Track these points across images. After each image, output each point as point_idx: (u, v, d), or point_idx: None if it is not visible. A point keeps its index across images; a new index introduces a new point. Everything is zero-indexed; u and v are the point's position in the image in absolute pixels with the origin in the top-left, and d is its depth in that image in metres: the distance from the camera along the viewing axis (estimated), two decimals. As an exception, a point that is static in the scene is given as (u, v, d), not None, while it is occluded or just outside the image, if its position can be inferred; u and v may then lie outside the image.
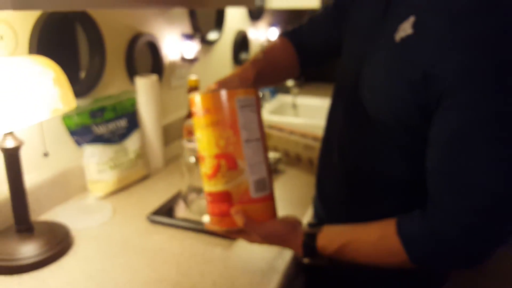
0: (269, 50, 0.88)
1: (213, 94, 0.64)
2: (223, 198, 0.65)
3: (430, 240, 0.57)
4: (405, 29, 0.58)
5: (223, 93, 0.63)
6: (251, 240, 0.70)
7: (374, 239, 0.63)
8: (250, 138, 0.65)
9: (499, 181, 0.52)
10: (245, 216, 0.64)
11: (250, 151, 0.65)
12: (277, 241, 0.69)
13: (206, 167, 0.66)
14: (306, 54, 0.90)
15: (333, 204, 0.81)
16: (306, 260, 0.69)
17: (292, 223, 0.69)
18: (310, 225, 0.71)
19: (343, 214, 0.78)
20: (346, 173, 0.76)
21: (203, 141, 0.65)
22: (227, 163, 0.64)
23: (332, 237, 0.66)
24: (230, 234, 0.71)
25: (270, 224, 0.67)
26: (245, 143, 0.64)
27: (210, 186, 0.66)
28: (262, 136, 0.67)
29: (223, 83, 0.69)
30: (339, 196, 0.79)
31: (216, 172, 0.65)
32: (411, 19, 0.58)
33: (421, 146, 0.60)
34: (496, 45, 0.49)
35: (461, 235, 0.55)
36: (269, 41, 2.23)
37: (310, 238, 0.67)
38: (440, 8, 0.54)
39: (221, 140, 0.64)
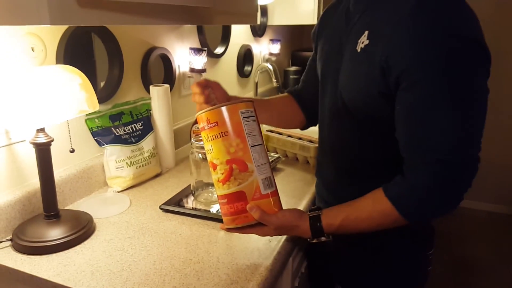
0: (275, 99, 1.10)
1: (219, 109, 0.75)
2: (239, 198, 0.75)
3: (412, 195, 0.70)
4: (363, 41, 0.75)
5: (228, 108, 0.75)
6: (264, 232, 0.80)
7: (368, 207, 0.75)
8: (254, 143, 0.76)
9: (451, 132, 0.66)
10: (260, 210, 0.75)
11: (256, 154, 0.76)
12: (287, 230, 0.80)
13: (219, 173, 0.76)
14: (309, 108, 1.07)
15: (332, 186, 0.93)
16: (314, 241, 0.80)
17: (297, 211, 0.81)
18: (311, 210, 0.82)
19: (341, 192, 0.89)
20: (337, 160, 0.90)
21: (215, 151, 0.76)
22: (239, 166, 0.75)
23: (333, 215, 0.78)
24: (244, 230, 0.80)
25: (280, 214, 0.78)
26: (251, 148, 0.75)
27: (224, 190, 0.76)
28: (263, 141, 0.79)
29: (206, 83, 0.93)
30: (335, 178, 0.91)
31: (229, 176, 0.75)
32: (366, 33, 0.75)
33: (390, 130, 0.74)
34: (430, 35, 0.64)
35: (434, 181, 0.68)
36: (271, 54, 2.36)
37: (315, 220, 0.78)
38: (387, 19, 0.71)
39: (231, 148, 0.75)
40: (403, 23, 0.67)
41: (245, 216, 0.76)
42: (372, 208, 0.74)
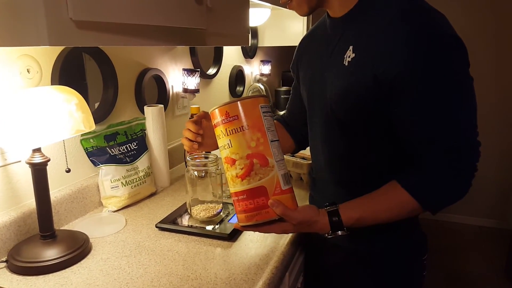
0: None
1: (240, 102, 0.74)
2: (260, 193, 0.74)
3: (429, 183, 0.75)
4: (349, 55, 0.79)
5: (249, 101, 0.74)
6: (283, 229, 0.79)
7: (386, 198, 0.78)
8: (273, 139, 0.76)
9: (454, 120, 0.72)
10: (282, 205, 0.74)
11: (275, 150, 0.75)
12: (307, 226, 0.80)
13: (238, 169, 0.74)
14: (297, 133, 1.11)
15: (332, 199, 0.93)
16: (331, 236, 0.80)
17: (314, 207, 0.82)
18: (325, 206, 0.82)
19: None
20: (335, 174, 0.92)
21: (234, 145, 0.74)
22: (260, 161, 0.73)
23: (351, 208, 0.79)
24: (262, 228, 0.78)
25: (301, 209, 0.78)
26: (271, 143, 0.75)
27: (243, 185, 0.74)
28: (278, 138, 0.78)
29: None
30: (334, 192, 0.93)
31: (250, 170, 0.73)
32: (351, 48, 0.79)
33: (384, 137, 0.80)
34: (417, 36, 0.70)
35: (446, 168, 0.74)
36: (262, 74, 2.40)
37: (334, 214, 0.79)
38: (370, 31, 0.76)
39: (252, 142, 0.73)
40: (389, 31, 0.72)
41: (266, 211, 0.74)
42: (391, 199, 0.77)
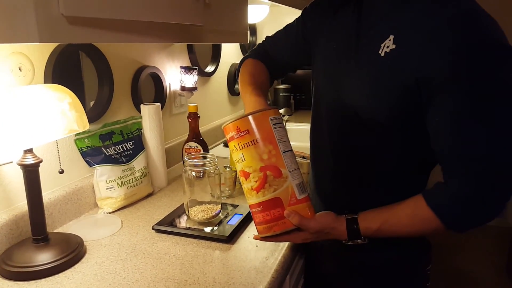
0: (256, 75, 1.02)
1: (250, 117, 0.74)
2: (275, 204, 0.74)
3: (455, 204, 0.70)
4: (388, 45, 0.71)
5: (258, 115, 0.75)
6: (302, 238, 0.78)
7: (408, 213, 0.74)
8: (285, 149, 0.76)
9: (495, 142, 0.65)
10: (298, 215, 0.74)
11: (288, 160, 0.75)
12: (325, 233, 0.78)
13: (252, 182, 0.75)
14: (275, 69, 1.06)
15: (332, 200, 0.91)
16: (349, 243, 0.79)
17: (332, 213, 0.80)
18: (346, 213, 0.80)
19: (339, 203, 0.88)
20: (343, 175, 0.87)
21: (247, 159, 0.75)
22: (273, 172, 0.74)
23: (372, 218, 0.77)
24: (281, 238, 0.78)
25: (318, 218, 0.76)
26: (283, 154, 0.75)
27: (259, 197, 0.75)
28: (291, 147, 0.78)
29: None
30: (336, 192, 0.89)
31: (264, 183, 0.74)
32: (391, 37, 0.71)
33: (412, 140, 0.74)
34: (464, 49, 0.63)
35: (476, 191, 0.68)
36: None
37: (352, 222, 0.77)
38: (416, 27, 0.68)
39: (264, 154, 0.74)
40: (441, 32, 0.65)
41: (282, 222, 0.75)
42: (413, 214, 0.73)
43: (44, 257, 0.85)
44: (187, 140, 1.42)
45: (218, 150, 1.80)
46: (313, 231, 0.76)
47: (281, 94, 2.56)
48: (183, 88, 1.58)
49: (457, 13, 0.65)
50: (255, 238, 0.80)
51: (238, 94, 2.15)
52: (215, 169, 1.06)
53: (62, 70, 1.06)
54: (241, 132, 0.74)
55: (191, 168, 1.04)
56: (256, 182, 0.75)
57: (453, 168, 0.70)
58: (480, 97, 0.64)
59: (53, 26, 0.63)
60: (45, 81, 1.03)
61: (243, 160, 0.75)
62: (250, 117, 0.74)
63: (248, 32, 2.17)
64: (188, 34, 1.02)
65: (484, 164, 0.66)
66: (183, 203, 1.11)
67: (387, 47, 0.71)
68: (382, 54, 0.72)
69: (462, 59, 0.63)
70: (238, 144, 0.75)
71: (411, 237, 0.76)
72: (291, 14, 2.12)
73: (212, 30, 1.12)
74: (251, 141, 0.74)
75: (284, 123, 0.80)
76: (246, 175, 0.75)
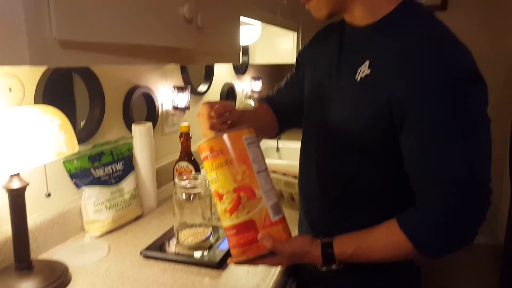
0: (256, 109, 1.04)
1: (224, 136, 0.73)
2: (248, 227, 0.72)
3: (428, 229, 0.69)
4: (363, 70, 0.75)
5: (232, 135, 0.73)
6: (276, 262, 0.76)
7: (382, 237, 0.73)
8: (260, 169, 0.74)
9: (465, 163, 0.66)
10: (272, 238, 0.71)
11: (263, 180, 0.73)
12: (300, 258, 0.76)
13: (226, 203, 0.73)
14: (283, 116, 1.05)
15: (320, 224, 0.90)
16: (324, 269, 0.77)
17: (308, 237, 0.78)
18: (321, 237, 0.78)
19: (327, 228, 0.86)
20: (330, 198, 0.87)
21: (220, 180, 0.73)
22: (246, 194, 0.72)
23: (346, 243, 0.75)
24: (255, 262, 0.76)
25: (293, 241, 0.75)
26: (257, 174, 0.73)
27: (232, 220, 0.73)
28: (267, 167, 0.76)
29: (211, 104, 0.81)
30: (325, 216, 0.89)
31: (237, 204, 0.72)
32: (367, 63, 0.74)
33: (391, 161, 0.75)
34: (434, 70, 0.66)
35: (450, 215, 0.67)
36: (253, 91, 2.38)
37: (327, 247, 0.76)
38: (389, 51, 0.71)
39: (238, 175, 0.72)
40: (412, 56, 0.68)
41: (256, 246, 0.72)
42: (386, 239, 0.72)
43: (26, 286, 0.82)
44: (179, 160, 1.41)
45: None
46: (287, 255, 0.73)
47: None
48: (175, 108, 1.57)
49: (431, 38, 0.68)
50: (229, 262, 0.77)
51: (230, 113, 2.15)
52: (206, 191, 1.04)
53: (54, 89, 1.04)
54: (214, 152, 0.73)
55: (182, 190, 1.02)
56: (229, 204, 0.72)
57: (427, 191, 0.70)
58: (451, 120, 0.66)
59: (45, 50, 0.62)
60: (36, 101, 1.01)
61: (217, 181, 0.73)
62: (224, 136, 0.73)
63: (241, 53, 2.19)
64: (180, 56, 1.02)
65: (457, 188, 0.67)
66: (173, 226, 1.08)
67: (363, 72, 0.75)
68: (358, 80, 0.75)
69: (432, 83, 0.66)
70: (211, 164, 0.73)
71: (386, 262, 0.74)
72: (283, 36, 2.15)
73: (204, 52, 1.12)
74: (224, 161, 0.72)
75: (259, 142, 0.78)
76: (220, 197, 0.73)
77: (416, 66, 0.67)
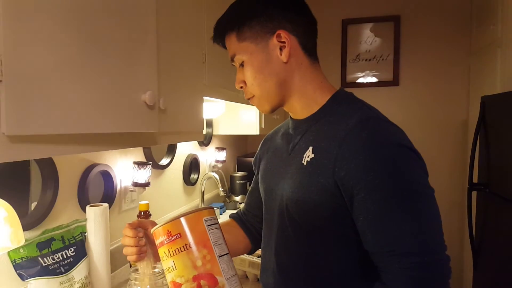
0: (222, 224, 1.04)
1: (182, 219, 0.69)
2: None
3: None
4: (308, 155, 0.79)
5: (191, 217, 0.69)
6: None
7: None
8: (221, 253, 0.70)
9: (417, 233, 0.68)
10: None
11: (225, 265, 0.69)
12: None
13: None
14: (253, 232, 1.05)
15: None
16: None
17: None
18: None
19: None
20: (289, 278, 0.84)
21: (178, 267, 0.68)
22: (208, 282, 0.66)
23: None
24: None
25: None
26: (219, 259, 0.69)
27: None
28: (229, 250, 0.73)
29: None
30: None
31: None
32: (310, 148, 0.80)
33: (349, 240, 0.76)
34: (369, 148, 0.71)
35: (414, 285, 0.68)
36: (217, 161, 2.39)
37: None
38: (328, 137, 0.77)
39: (198, 261, 0.67)
40: (348, 138, 0.73)
41: None
42: None
43: None
44: (136, 241, 1.34)
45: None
46: None
47: (237, 181, 2.56)
48: (135, 184, 1.53)
49: (363, 119, 0.75)
50: None
51: (193, 183, 2.12)
52: (164, 284, 0.98)
53: (5, 172, 0.99)
54: (172, 236, 0.68)
55: (136, 283, 0.96)
56: None
57: (387, 266, 0.71)
58: (394, 195, 0.69)
59: None
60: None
61: (174, 268, 0.68)
62: (182, 219, 0.69)
63: (205, 124, 2.22)
64: (143, 139, 1.02)
65: (414, 258, 0.68)
66: (127, 321, 1.00)
67: (308, 156, 0.80)
68: (305, 163, 0.80)
69: (369, 161, 0.70)
70: (168, 250, 0.69)
71: None
72: (247, 108, 2.22)
73: (167, 132, 1.12)
74: (183, 246, 0.68)
75: (219, 224, 0.75)
76: (177, 287, 0.68)
77: (353, 146, 0.72)
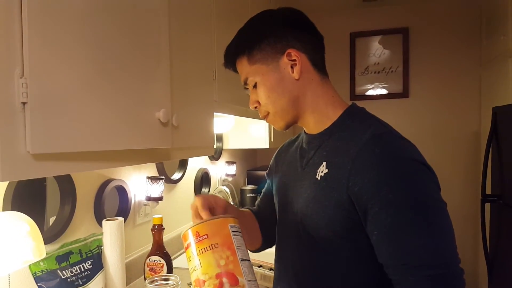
0: (242, 210, 1.07)
1: (208, 222, 0.74)
2: None
3: None
4: (322, 170, 0.81)
5: (218, 221, 0.75)
6: None
7: None
8: (243, 257, 0.73)
9: (432, 246, 0.69)
10: None
11: (246, 269, 0.73)
12: None
13: None
14: (265, 227, 1.06)
15: None
16: None
17: None
18: None
19: None
20: None
21: (203, 265, 0.72)
22: (229, 280, 0.70)
23: None
24: None
25: None
26: (241, 262, 0.72)
27: None
28: (250, 258, 0.76)
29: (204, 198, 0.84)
30: None
31: None
32: (324, 163, 0.81)
33: (364, 254, 0.77)
34: (383, 163, 0.72)
35: None
36: (227, 175, 2.42)
37: None
38: (342, 153, 0.79)
39: (222, 260, 0.71)
40: (361, 153, 0.74)
41: None
42: None
43: None
44: (150, 254, 1.37)
45: (183, 258, 1.73)
46: None
47: (247, 195, 2.58)
48: (148, 198, 1.57)
49: (376, 135, 0.76)
50: None
51: (205, 197, 2.15)
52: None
53: (23, 190, 1.04)
54: (200, 237, 0.73)
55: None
56: None
57: (402, 280, 0.71)
58: (408, 210, 0.70)
59: (17, 164, 0.62)
60: (5, 206, 0.99)
61: (200, 266, 0.72)
62: (210, 221, 0.74)
63: (215, 139, 2.26)
64: (156, 155, 1.06)
65: (429, 271, 0.69)
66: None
67: (322, 171, 0.81)
68: (319, 178, 0.81)
69: (383, 176, 0.71)
70: (196, 249, 0.73)
71: None
72: (256, 122, 2.25)
73: (179, 148, 1.16)
74: (209, 246, 0.72)
75: (242, 233, 0.78)
76: (201, 284, 0.71)
77: (366, 161, 0.73)
